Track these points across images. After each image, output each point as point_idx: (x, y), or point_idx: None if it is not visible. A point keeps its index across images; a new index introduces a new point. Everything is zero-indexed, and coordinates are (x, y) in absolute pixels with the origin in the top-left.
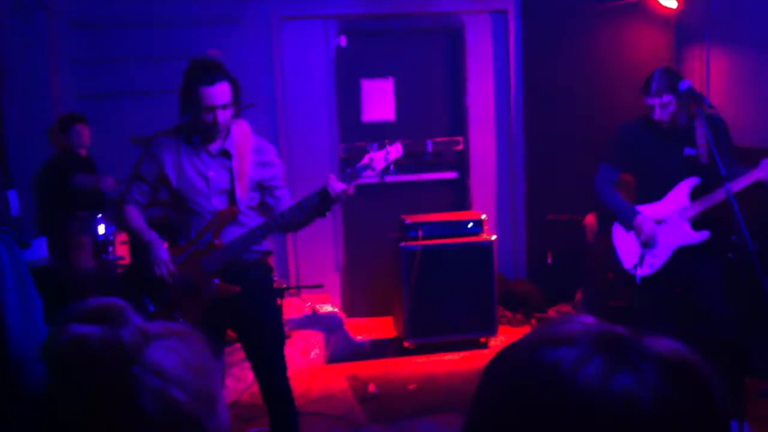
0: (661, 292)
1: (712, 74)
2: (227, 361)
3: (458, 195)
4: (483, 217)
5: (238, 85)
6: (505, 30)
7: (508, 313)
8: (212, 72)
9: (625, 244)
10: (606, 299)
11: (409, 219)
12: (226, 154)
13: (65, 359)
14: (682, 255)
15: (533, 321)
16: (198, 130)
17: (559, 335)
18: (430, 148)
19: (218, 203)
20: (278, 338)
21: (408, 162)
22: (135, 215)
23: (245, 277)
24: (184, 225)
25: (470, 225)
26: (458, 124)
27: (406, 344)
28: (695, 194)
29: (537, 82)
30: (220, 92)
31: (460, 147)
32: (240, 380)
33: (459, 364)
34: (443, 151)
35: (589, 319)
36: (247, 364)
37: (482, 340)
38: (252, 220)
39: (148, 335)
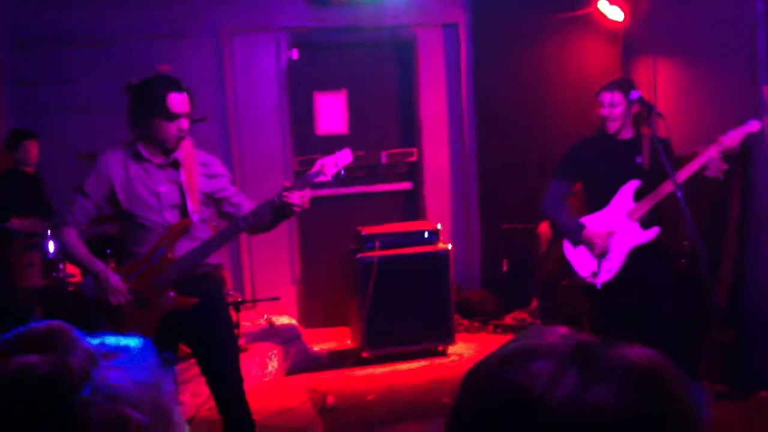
0: (623, 294)
1: (660, 85)
2: (184, 377)
3: (413, 206)
4: (438, 226)
5: (193, 99)
6: (457, 42)
7: (465, 321)
8: (177, 81)
9: (577, 257)
10: (561, 306)
11: (365, 230)
12: (174, 165)
13: (11, 394)
14: (637, 255)
15: (490, 328)
16: (155, 141)
17: (532, 348)
18: (384, 159)
19: (170, 218)
20: (233, 350)
21: (362, 174)
22: (76, 241)
23: (198, 290)
24: (135, 241)
25: (426, 235)
26: (411, 135)
27: (364, 355)
28: (639, 195)
29: (489, 94)
30: (185, 101)
31: (413, 158)
32: (196, 395)
33: (417, 373)
34: (397, 163)
35: (562, 330)
36: (203, 379)
37: (440, 348)
38: (204, 233)
39: (96, 357)
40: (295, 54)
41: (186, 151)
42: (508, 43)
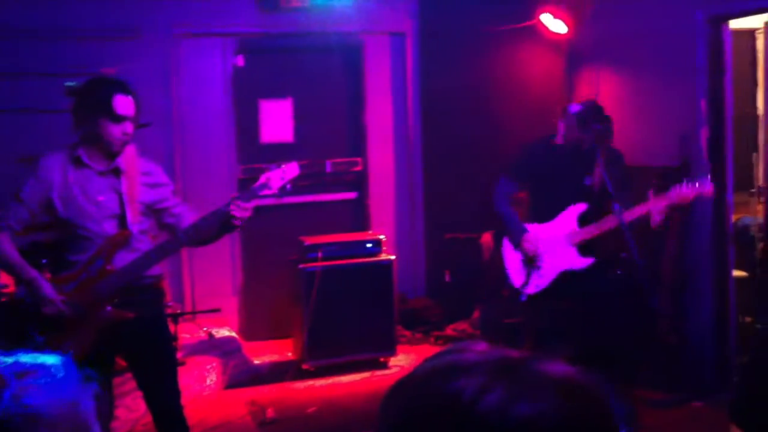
0: (547, 309)
1: (602, 95)
2: (119, 391)
3: (357, 215)
4: (381, 237)
5: (139, 103)
6: (403, 51)
7: (407, 333)
8: (124, 83)
9: (514, 262)
10: (502, 316)
11: (308, 240)
12: (115, 172)
13: None
14: (568, 277)
15: (432, 339)
16: (98, 144)
17: (455, 366)
18: (329, 168)
19: (109, 228)
20: (170, 364)
21: (307, 183)
22: (9, 247)
23: (137, 302)
24: (73, 250)
25: (369, 245)
26: (357, 144)
27: (305, 366)
28: (583, 220)
29: (435, 104)
30: (131, 104)
31: (359, 167)
32: (132, 410)
33: (358, 385)
34: (342, 172)
35: (482, 346)
36: (139, 394)
37: (381, 360)
38: (144, 244)
39: (5, 378)
40: (240, 61)
41: (128, 159)
42: (455, 53)
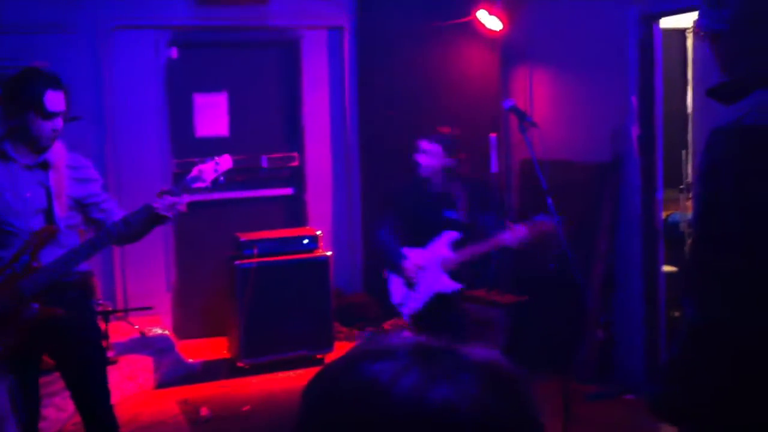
0: (431, 326)
1: (536, 93)
2: (48, 390)
3: (294, 211)
4: (318, 233)
5: (69, 97)
6: (341, 46)
7: (344, 329)
8: (56, 78)
9: (395, 282)
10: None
11: (244, 236)
12: (43, 166)
13: None
14: (439, 301)
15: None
16: (26, 139)
17: (377, 350)
18: (265, 164)
19: (35, 223)
20: (99, 362)
21: (243, 178)
22: None
23: (64, 299)
24: None
25: (305, 241)
26: (294, 139)
27: (240, 364)
28: (456, 245)
29: (372, 98)
30: (62, 99)
31: (296, 163)
32: (61, 410)
33: (294, 382)
34: (279, 167)
35: (406, 334)
36: (69, 393)
37: (318, 356)
38: (72, 239)
39: None
40: (174, 53)
41: (56, 153)
42: (392, 49)
